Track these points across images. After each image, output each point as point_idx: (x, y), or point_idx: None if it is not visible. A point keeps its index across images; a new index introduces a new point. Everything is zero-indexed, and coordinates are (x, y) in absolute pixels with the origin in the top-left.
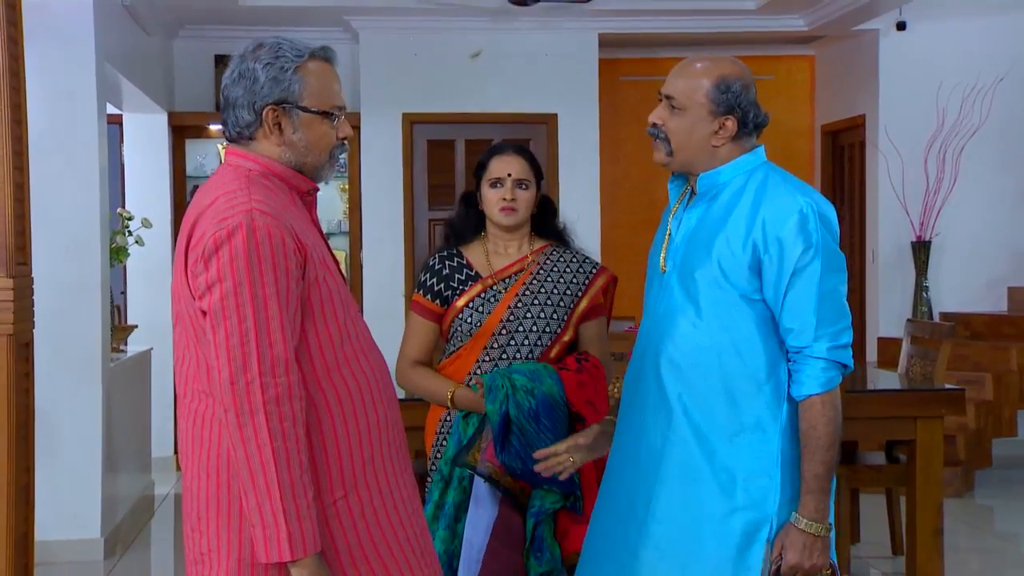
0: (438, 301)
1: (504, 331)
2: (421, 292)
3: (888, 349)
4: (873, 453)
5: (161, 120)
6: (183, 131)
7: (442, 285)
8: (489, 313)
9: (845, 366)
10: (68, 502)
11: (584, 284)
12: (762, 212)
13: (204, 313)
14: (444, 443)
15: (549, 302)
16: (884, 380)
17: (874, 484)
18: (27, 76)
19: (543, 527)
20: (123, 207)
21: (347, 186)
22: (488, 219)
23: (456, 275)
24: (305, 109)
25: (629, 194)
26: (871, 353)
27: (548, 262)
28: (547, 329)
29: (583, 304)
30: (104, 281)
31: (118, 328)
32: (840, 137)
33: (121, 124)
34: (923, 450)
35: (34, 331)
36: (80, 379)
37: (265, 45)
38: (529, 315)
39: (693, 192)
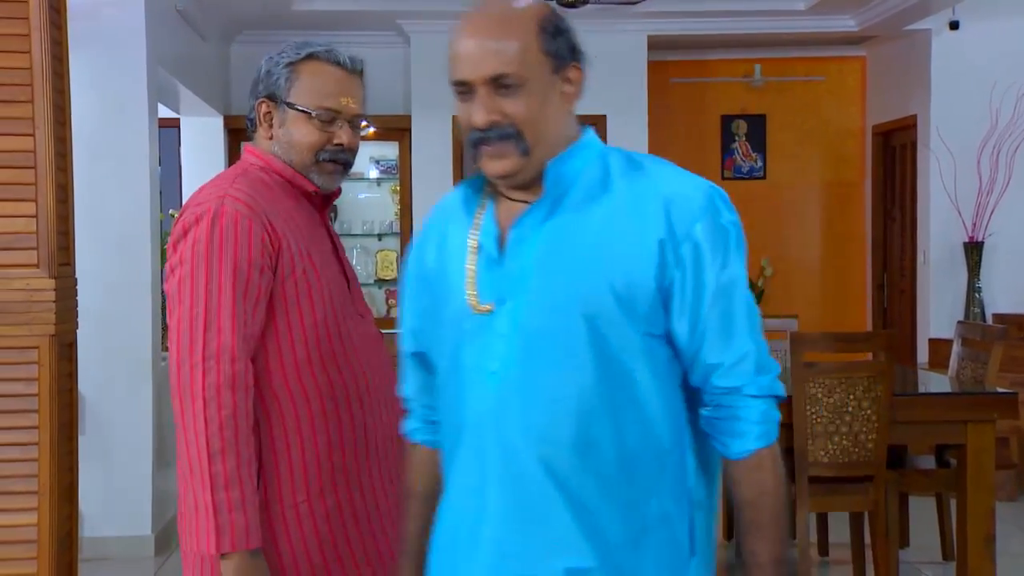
0: None
1: None
2: None
3: (939, 351)
4: (923, 457)
5: (217, 123)
6: (239, 134)
7: None
8: None
9: (781, 399)
10: (119, 499)
11: None
12: (661, 205)
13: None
14: None
15: None
16: (935, 383)
17: (924, 489)
18: (80, 80)
19: None
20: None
21: (398, 187)
22: None
23: None
24: (290, 106)
25: None
26: (922, 355)
27: None
28: None
29: None
30: (155, 280)
31: None
32: (891, 138)
33: (179, 128)
34: (974, 455)
35: (82, 331)
36: (131, 377)
37: (289, 43)
38: None
39: (522, 198)
